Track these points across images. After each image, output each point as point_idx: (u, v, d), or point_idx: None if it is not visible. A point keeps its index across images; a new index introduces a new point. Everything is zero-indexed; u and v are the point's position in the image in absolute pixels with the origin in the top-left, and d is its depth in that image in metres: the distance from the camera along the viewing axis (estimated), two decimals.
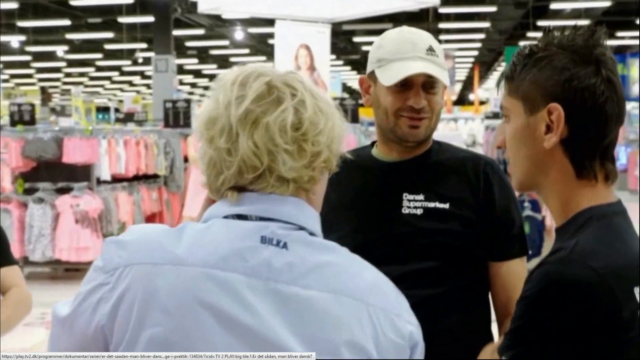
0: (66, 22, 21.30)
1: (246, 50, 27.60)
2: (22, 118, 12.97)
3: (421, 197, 2.25)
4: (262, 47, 25.67)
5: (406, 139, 2.25)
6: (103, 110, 24.71)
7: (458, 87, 37.72)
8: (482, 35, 25.09)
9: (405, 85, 2.21)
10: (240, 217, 1.38)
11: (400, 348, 1.37)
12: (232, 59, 30.27)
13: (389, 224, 2.25)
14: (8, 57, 27.38)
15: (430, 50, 2.21)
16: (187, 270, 1.32)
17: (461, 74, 37.53)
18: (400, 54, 2.22)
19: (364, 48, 27.19)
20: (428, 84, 2.21)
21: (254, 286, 1.32)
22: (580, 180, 1.46)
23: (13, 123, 12.92)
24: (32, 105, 13.15)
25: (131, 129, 12.17)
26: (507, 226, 2.27)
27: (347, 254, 1.42)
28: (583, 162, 1.45)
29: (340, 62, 30.59)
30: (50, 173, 9.74)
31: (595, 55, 1.45)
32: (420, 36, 2.25)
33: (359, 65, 33.12)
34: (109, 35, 23.57)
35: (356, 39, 25.43)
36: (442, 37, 23.36)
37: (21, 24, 21.26)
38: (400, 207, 2.25)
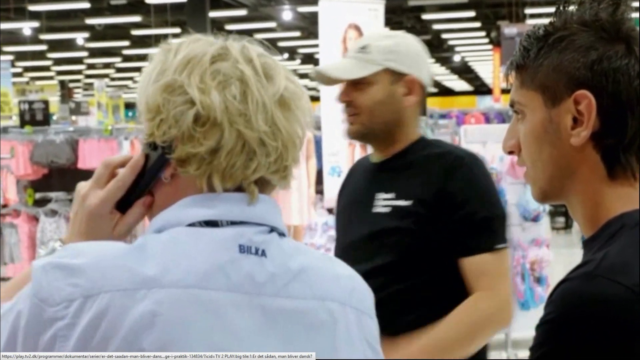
0: (85, 5, 21.59)
1: (297, 33, 27.71)
2: (34, 118, 13.16)
3: (392, 195, 2.65)
4: (315, 28, 25.75)
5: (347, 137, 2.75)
6: (133, 106, 24.92)
7: None
8: None
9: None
10: (208, 223, 1.39)
11: (379, 353, 1.48)
12: (281, 43, 30.42)
13: (364, 224, 2.69)
14: (20, 47, 27.89)
15: (363, 48, 2.65)
16: (165, 293, 1.31)
17: None
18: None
19: (436, 27, 27.09)
20: (354, 80, 2.65)
21: (240, 304, 1.35)
22: (613, 181, 1.43)
23: (23, 123, 13.07)
24: (46, 102, 13.32)
25: None
26: (466, 220, 2.55)
27: (321, 255, 1.49)
28: (617, 157, 1.42)
29: None
30: (64, 181, 9.84)
31: (624, 31, 1.42)
32: (365, 37, 2.81)
33: (431, 47, 32.86)
34: (136, 19, 23.84)
35: (426, 17, 25.32)
36: (531, 21, 23.08)
37: (33, 7, 21.62)
38: (373, 206, 2.68)
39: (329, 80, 2.69)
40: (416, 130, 2.73)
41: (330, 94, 8.02)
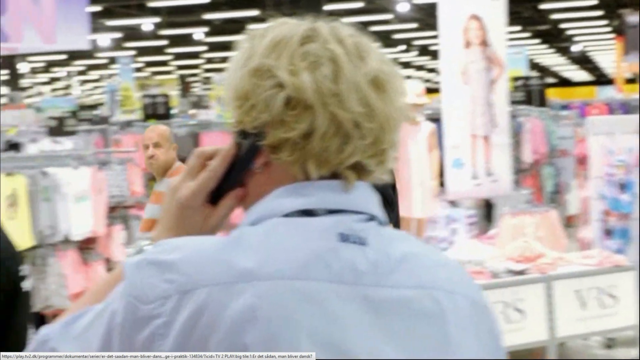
0: (203, 0, 21.94)
1: (413, 25, 27.61)
2: (156, 111, 13.48)
3: None
4: (432, 20, 25.61)
5: None
6: None
7: None
8: None
9: None
10: (305, 213, 1.34)
11: (498, 347, 1.38)
12: (396, 36, 30.36)
13: None
14: (140, 42, 28.46)
15: None
16: (264, 286, 1.26)
17: None
18: None
19: (554, 16, 26.66)
20: None
21: (342, 294, 1.28)
22: None
23: (146, 117, 13.36)
24: (166, 96, 13.58)
25: None
26: None
27: (422, 244, 1.41)
28: None
29: (527, 34, 30.11)
30: None
31: None
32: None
33: (549, 37, 32.50)
34: (253, 13, 24.10)
35: (543, 6, 24.95)
36: None
37: (153, 4, 22.05)
38: None
39: None
40: None
41: (451, 86, 7.97)
